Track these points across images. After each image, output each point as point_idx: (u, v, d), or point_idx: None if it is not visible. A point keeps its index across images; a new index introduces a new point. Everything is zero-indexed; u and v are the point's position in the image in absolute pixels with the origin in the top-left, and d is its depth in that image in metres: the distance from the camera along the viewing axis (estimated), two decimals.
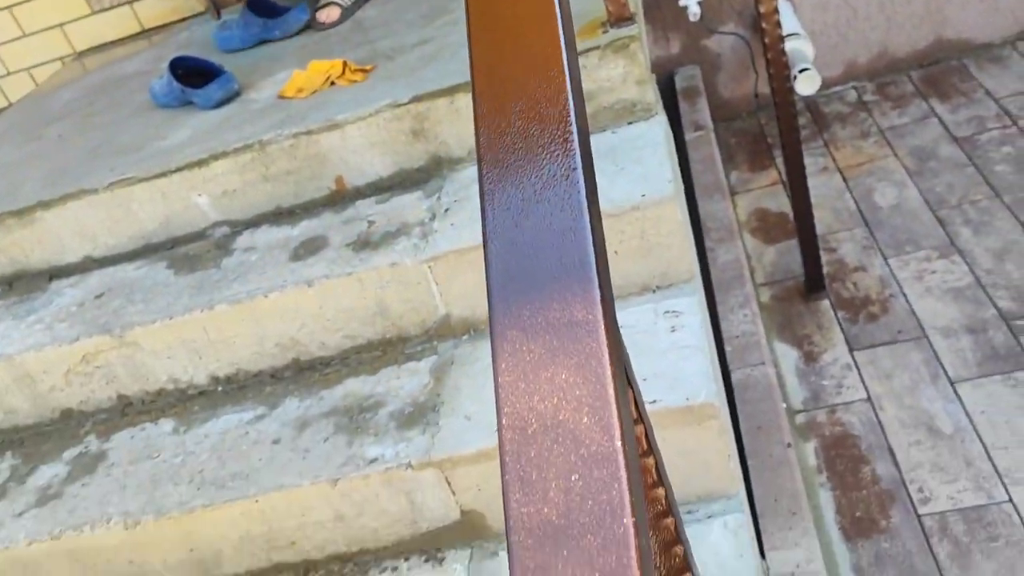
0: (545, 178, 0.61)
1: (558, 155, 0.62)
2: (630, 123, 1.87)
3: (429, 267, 1.69)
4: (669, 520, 0.78)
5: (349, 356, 1.80)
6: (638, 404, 0.70)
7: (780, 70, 2.22)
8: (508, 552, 0.50)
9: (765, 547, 1.68)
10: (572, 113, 0.62)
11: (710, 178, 2.73)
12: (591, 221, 0.59)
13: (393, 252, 1.73)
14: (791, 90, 2.29)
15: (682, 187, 1.82)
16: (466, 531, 1.56)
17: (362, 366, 1.78)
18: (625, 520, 0.49)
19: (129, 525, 1.58)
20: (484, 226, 0.61)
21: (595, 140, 1.86)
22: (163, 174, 1.96)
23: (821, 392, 2.19)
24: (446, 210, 1.81)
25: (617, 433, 0.52)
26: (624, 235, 1.66)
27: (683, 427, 1.45)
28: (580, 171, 0.61)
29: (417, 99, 1.87)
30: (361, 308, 1.75)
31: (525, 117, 0.63)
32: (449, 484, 1.52)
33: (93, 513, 1.62)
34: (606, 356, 0.54)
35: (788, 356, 2.30)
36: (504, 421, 0.54)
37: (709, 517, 1.51)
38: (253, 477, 1.58)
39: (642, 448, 0.72)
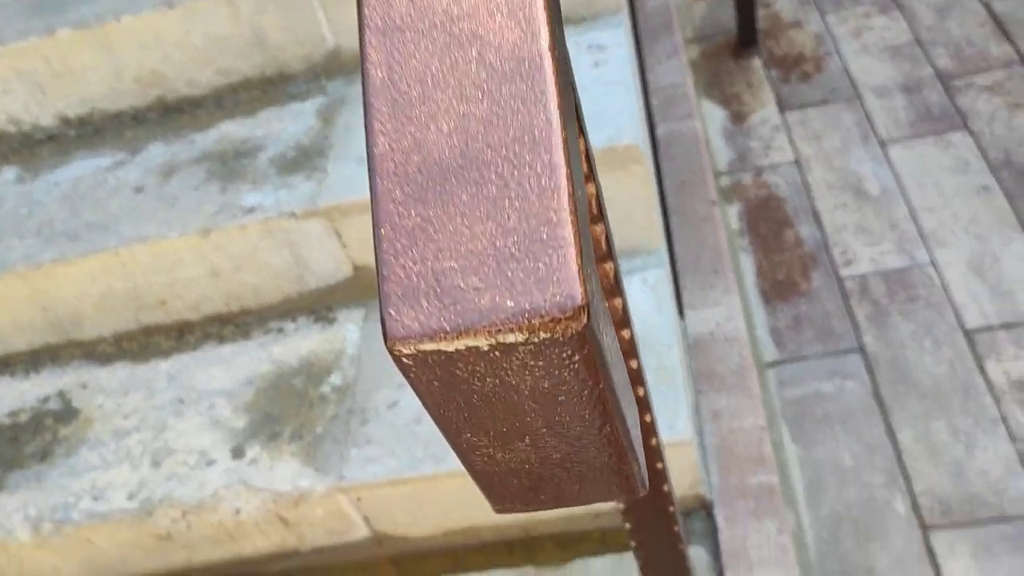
0: None
1: None
2: None
3: None
4: (609, 265, 0.61)
5: (224, 96, 1.55)
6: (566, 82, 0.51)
7: None
8: (372, 207, 0.32)
9: (685, 306, 1.58)
10: None
11: None
12: None
13: None
14: None
15: None
16: (359, 289, 1.40)
17: (239, 107, 1.54)
18: (553, 155, 0.31)
19: None
20: None
21: None
22: None
23: (748, 154, 2.05)
24: None
25: (544, 31, 0.33)
26: None
27: (606, 171, 1.29)
28: None
29: None
30: (235, 36, 1.48)
31: None
32: (339, 236, 1.34)
33: None
34: None
35: (715, 116, 2.14)
36: (368, 18, 0.34)
37: (628, 272, 1.39)
38: (113, 228, 1.37)
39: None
